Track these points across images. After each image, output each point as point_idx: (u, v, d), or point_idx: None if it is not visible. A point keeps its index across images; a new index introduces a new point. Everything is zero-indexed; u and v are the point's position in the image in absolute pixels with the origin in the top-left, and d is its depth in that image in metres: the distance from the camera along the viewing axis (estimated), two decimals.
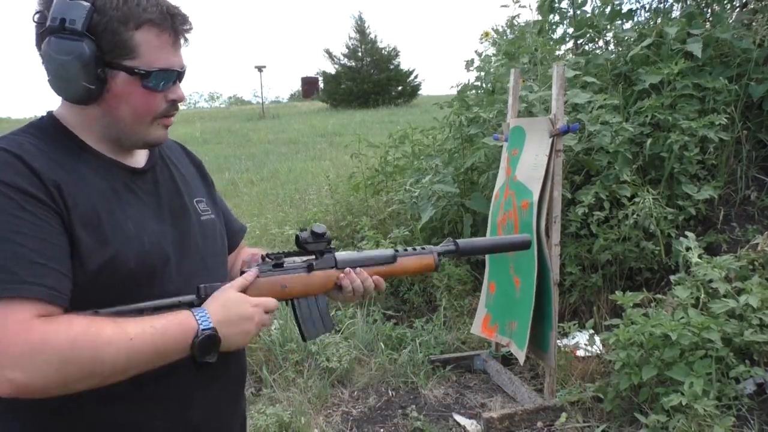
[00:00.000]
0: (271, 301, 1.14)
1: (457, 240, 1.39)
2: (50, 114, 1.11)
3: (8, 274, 0.91)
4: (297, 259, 1.23)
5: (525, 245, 1.51)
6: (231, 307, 1.07)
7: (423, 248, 1.35)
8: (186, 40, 1.10)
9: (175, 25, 1.06)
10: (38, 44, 1.05)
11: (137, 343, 0.96)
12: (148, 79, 1.05)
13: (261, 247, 1.50)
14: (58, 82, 1.03)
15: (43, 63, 1.05)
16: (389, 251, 1.31)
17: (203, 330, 1.02)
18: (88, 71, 1.01)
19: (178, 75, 1.10)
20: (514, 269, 3.07)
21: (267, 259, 1.20)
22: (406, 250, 1.33)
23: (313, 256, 1.24)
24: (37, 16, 1.04)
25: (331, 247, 1.26)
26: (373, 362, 3.47)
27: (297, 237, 1.22)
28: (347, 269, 1.25)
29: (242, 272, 1.18)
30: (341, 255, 1.26)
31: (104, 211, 1.03)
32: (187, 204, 1.20)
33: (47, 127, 1.08)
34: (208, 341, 1.02)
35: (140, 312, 1.02)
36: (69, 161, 1.04)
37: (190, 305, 1.07)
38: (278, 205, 6.45)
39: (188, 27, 1.09)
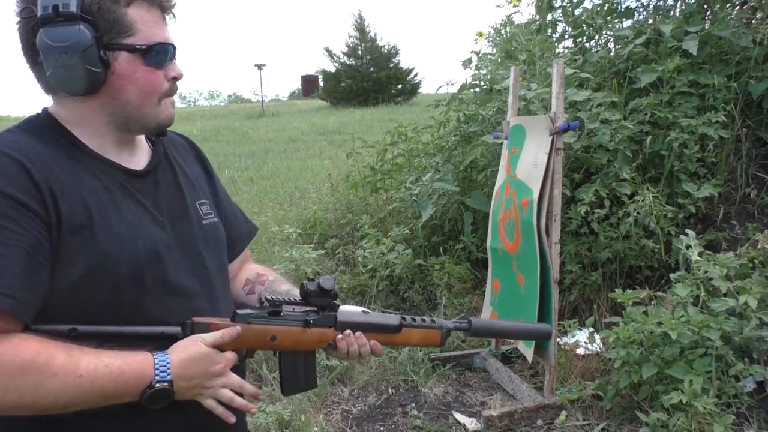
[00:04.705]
0: (234, 358, 1.08)
1: (472, 319, 1.28)
2: (46, 111, 1.08)
3: None
4: (297, 309, 1.15)
5: (546, 334, 1.39)
6: (196, 362, 1.02)
7: (433, 321, 1.25)
8: (173, 16, 1.09)
9: (161, 0, 1.06)
10: (27, 42, 1.02)
11: (85, 382, 0.93)
12: (149, 55, 1.04)
13: (268, 267, 1.44)
14: (61, 74, 0.99)
15: (35, 60, 1.02)
16: (396, 319, 1.21)
17: (158, 381, 0.98)
18: (91, 55, 0.99)
19: (173, 51, 1.09)
20: (517, 267, 3.07)
21: (265, 302, 1.13)
22: (414, 320, 1.23)
23: (315, 308, 1.16)
24: (23, 11, 1.01)
25: (336, 303, 1.17)
26: (373, 360, 3.47)
27: (302, 286, 1.14)
28: (347, 332, 1.16)
29: (239, 307, 1.13)
30: (343, 314, 1.17)
31: (97, 214, 1.00)
32: (188, 207, 1.16)
33: (44, 124, 1.06)
34: (159, 395, 0.98)
35: (120, 336, 0.99)
36: (65, 161, 1.02)
37: (173, 339, 1.04)
38: (278, 203, 6.45)
39: (172, 3, 1.09)
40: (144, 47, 1.03)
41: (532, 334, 1.46)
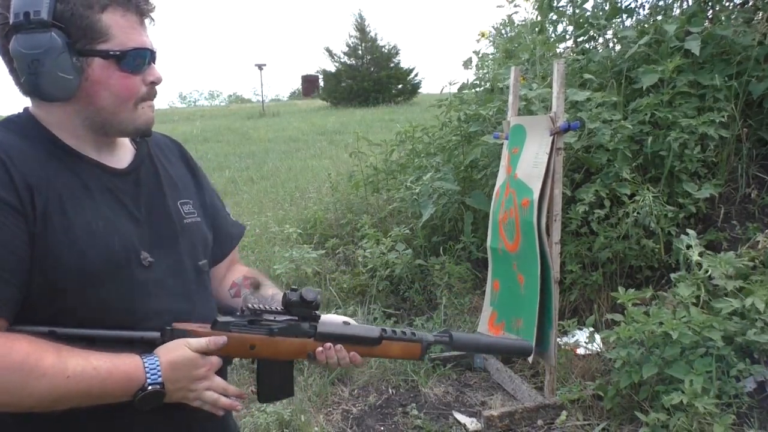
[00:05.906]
0: (219, 362, 1.09)
1: (453, 333, 1.26)
2: (27, 110, 1.09)
3: None
4: (278, 318, 1.15)
5: (526, 352, 1.40)
6: (181, 366, 1.03)
7: (413, 334, 1.24)
8: (152, 20, 1.09)
9: (138, 4, 1.04)
10: (2, 48, 1.02)
11: (72, 383, 0.93)
12: (124, 61, 1.03)
13: (257, 270, 1.44)
14: (34, 81, 0.99)
15: (12, 65, 1.02)
16: (376, 331, 1.21)
17: (150, 384, 0.99)
18: (63, 62, 0.98)
19: (151, 55, 1.08)
20: (517, 267, 3.07)
21: (246, 311, 1.13)
22: (394, 332, 1.22)
23: (296, 318, 1.16)
24: None
25: (317, 314, 1.17)
26: (373, 360, 3.47)
27: (284, 296, 1.14)
28: (327, 344, 1.16)
29: (224, 309, 1.15)
30: (324, 326, 1.17)
31: (74, 210, 1.01)
32: (169, 206, 1.16)
33: (24, 123, 1.06)
34: (152, 396, 0.99)
35: (99, 340, 0.99)
36: (43, 157, 1.02)
37: (151, 344, 1.04)
38: (278, 203, 6.44)
39: (151, 6, 1.07)
40: (118, 53, 1.02)
41: (513, 350, 1.45)
